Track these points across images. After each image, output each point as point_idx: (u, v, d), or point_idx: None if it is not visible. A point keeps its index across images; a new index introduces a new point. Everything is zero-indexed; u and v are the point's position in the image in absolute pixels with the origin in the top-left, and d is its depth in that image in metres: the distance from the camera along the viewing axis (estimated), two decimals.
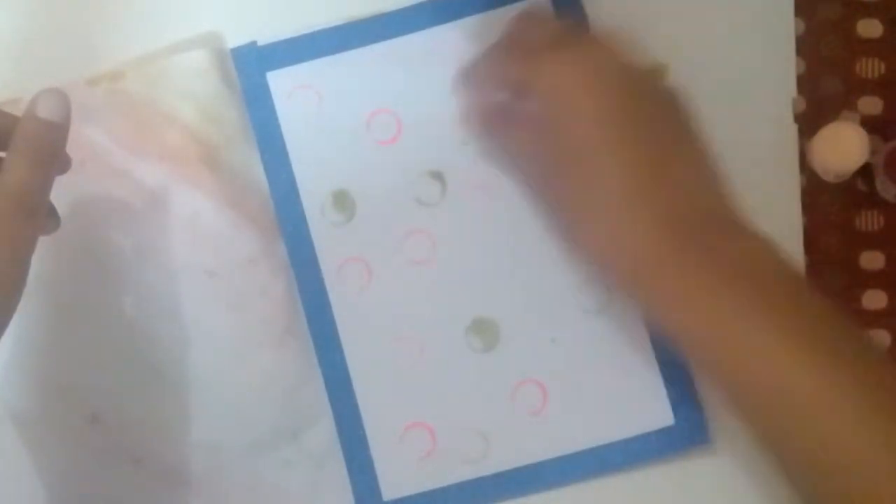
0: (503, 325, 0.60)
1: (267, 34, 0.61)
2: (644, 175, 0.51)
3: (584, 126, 0.51)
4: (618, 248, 0.51)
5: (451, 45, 0.60)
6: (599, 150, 0.51)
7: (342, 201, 0.60)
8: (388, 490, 0.59)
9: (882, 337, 0.59)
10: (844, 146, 0.56)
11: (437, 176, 0.60)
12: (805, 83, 0.60)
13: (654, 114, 0.53)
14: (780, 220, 0.59)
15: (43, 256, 0.51)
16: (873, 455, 0.46)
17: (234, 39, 0.61)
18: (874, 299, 0.59)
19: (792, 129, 0.60)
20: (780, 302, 0.49)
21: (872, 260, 0.59)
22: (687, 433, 0.58)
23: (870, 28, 0.60)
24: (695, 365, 0.56)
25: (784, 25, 0.60)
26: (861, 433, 0.46)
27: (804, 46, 0.60)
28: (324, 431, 0.59)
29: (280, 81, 0.60)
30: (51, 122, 0.50)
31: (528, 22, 0.58)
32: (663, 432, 0.58)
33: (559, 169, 0.53)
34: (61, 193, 0.53)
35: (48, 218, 0.54)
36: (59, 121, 0.51)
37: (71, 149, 0.53)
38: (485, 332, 0.60)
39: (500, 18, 0.60)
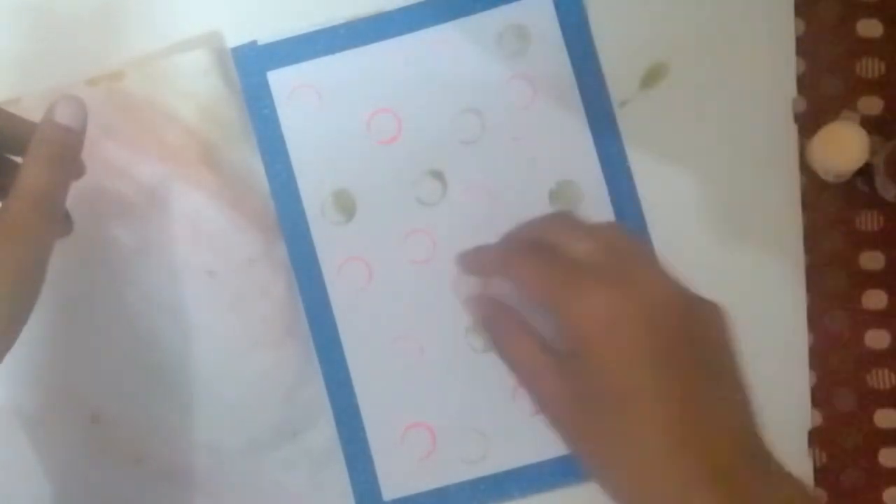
0: None
1: (267, 33, 0.61)
2: (688, 425, 0.47)
3: (626, 369, 0.47)
4: (651, 500, 0.47)
5: (452, 44, 0.60)
6: (640, 398, 0.47)
7: (342, 201, 0.60)
8: (389, 490, 0.59)
9: (882, 337, 0.59)
10: (844, 146, 0.56)
11: (438, 175, 0.60)
12: (805, 83, 0.60)
13: (702, 351, 0.48)
14: (780, 220, 0.59)
15: None
16: None
17: (235, 39, 0.61)
18: (874, 299, 0.59)
19: (792, 129, 0.60)
20: None
21: (872, 260, 0.59)
22: None
23: (870, 28, 0.60)
24: None
25: (784, 25, 0.60)
26: None
27: (804, 46, 0.60)
28: (324, 431, 0.59)
29: (280, 81, 0.60)
30: (68, 127, 0.52)
31: (563, 227, 0.52)
32: None
33: (586, 408, 0.49)
34: None
35: (63, 221, 0.55)
36: (76, 126, 0.52)
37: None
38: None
39: (500, 18, 0.60)
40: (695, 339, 0.48)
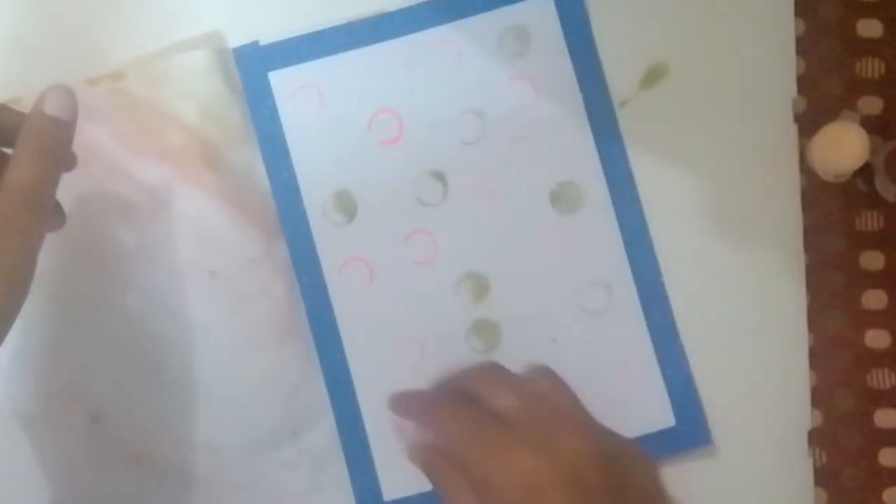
0: (504, 326, 0.60)
1: (269, 34, 0.61)
2: None
3: None
4: None
5: (453, 45, 0.61)
6: None
7: (344, 201, 0.60)
8: (389, 490, 0.59)
9: (882, 337, 0.59)
10: (844, 146, 0.56)
11: (439, 176, 0.60)
12: (805, 83, 0.60)
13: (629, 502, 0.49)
14: (780, 220, 0.60)
15: (45, 256, 0.51)
16: None
17: (236, 39, 0.61)
18: (874, 299, 0.59)
19: (792, 129, 0.60)
20: None
21: (872, 260, 0.59)
22: (688, 434, 0.58)
23: (870, 28, 0.60)
24: None
25: (784, 25, 0.60)
26: None
27: (804, 46, 0.60)
28: (324, 431, 0.59)
29: (282, 81, 0.60)
30: (58, 118, 0.51)
31: (487, 379, 0.53)
32: (664, 433, 0.58)
33: None
34: (63, 193, 0.53)
35: (54, 214, 0.54)
36: (66, 117, 0.51)
37: (72, 148, 0.53)
38: (486, 332, 0.60)
39: (501, 19, 0.60)
40: (622, 493, 0.48)
